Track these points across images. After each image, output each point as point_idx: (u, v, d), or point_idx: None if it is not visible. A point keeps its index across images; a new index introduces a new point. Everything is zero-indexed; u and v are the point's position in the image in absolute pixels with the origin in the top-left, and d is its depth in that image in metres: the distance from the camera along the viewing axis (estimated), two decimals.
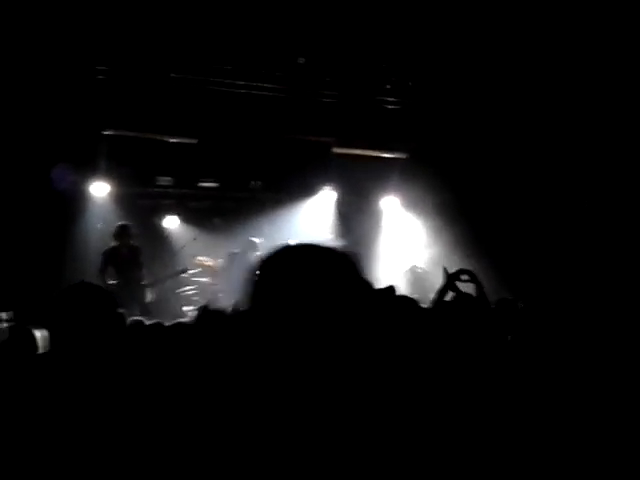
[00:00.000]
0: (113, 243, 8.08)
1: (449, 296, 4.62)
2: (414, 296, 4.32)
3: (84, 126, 8.27)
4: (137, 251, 8.17)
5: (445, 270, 4.73)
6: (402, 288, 5.66)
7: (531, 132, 8.51)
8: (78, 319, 2.42)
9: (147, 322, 4.88)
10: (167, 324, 4.60)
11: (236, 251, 9.50)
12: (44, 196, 8.09)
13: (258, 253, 9.61)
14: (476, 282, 4.81)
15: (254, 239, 9.64)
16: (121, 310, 5.15)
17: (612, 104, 7.82)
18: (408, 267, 9.87)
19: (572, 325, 3.87)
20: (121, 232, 8.04)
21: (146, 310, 7.67)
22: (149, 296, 8.24)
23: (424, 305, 4.19)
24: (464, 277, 4.95)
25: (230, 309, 4.93)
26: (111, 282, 7.95)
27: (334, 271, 1.30)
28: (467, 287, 4.83)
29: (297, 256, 1.35)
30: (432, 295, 4.83)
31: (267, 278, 1.33)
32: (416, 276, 9.72)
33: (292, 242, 1.43)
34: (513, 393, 2.77)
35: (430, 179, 9.30)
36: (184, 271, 9.09)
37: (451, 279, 4.94)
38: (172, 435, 2.03)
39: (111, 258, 8.02)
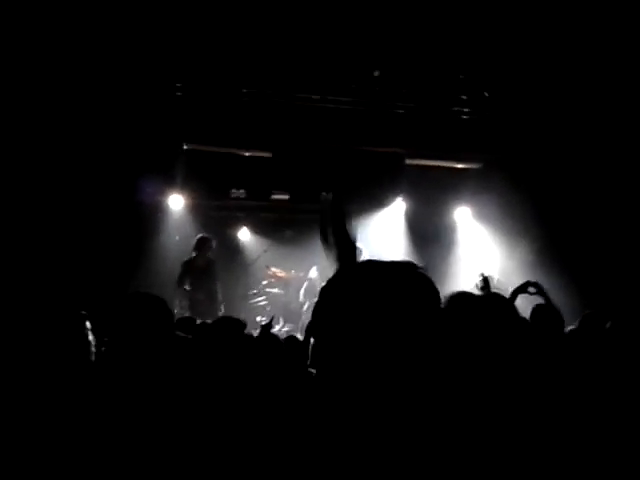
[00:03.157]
0: (193, 254, 8.27)
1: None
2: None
3: (164, 141, 8.51)
4: (212, 263, 8.33)
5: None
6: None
7: (611, 140, 8.23)
8: (133, 328, 2.51)
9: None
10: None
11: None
12: (126, 207, 8.36)
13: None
14: (543, 294, 4.72)
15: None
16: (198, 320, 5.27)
17: None
18: (481, 277, 9.70)
19: None
20: (200, 244, 8.23)
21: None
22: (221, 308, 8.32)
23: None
24: (531, 289, 4.89)
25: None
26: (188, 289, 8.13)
27: (401, 290, 1.22)
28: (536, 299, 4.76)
29: (361, 276, 1.27)
30: None
31: (330, 302, 1.26)
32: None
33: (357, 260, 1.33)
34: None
35: (504, 190, 9.12)
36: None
37: (517, 292, 4.89)
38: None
39: (188, 268, 8.21)
